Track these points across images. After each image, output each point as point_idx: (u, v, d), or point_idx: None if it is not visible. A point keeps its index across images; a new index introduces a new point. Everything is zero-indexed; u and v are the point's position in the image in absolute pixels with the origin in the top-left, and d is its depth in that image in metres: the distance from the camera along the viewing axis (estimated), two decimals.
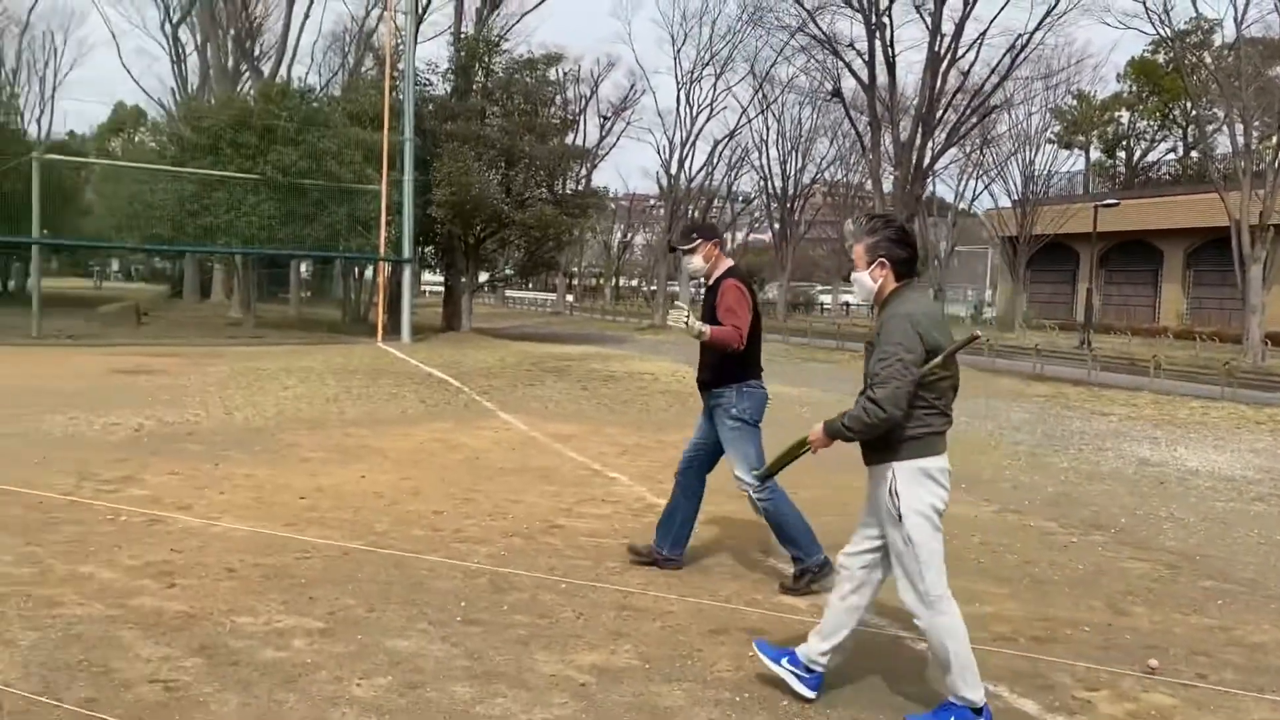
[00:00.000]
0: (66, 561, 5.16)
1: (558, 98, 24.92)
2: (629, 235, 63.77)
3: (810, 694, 3.70)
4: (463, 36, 25.43)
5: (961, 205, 45.08)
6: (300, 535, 5.86)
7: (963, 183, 43.48)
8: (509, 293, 59.52)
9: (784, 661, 3.76)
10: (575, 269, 66.02)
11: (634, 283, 72.17)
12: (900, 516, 3.46)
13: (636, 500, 7.19)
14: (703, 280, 5.41)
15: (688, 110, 37.84)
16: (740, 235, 60.27)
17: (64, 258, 64.28)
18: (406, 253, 20.86)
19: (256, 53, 35.84)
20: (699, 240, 5.22)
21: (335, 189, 20.82)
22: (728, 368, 5.10)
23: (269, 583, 4.96)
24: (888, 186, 21.53)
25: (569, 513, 6.72)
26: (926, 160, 20.13)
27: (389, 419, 10.62)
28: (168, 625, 4.30)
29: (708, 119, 48.21)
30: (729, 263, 5.31)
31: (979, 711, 3.42)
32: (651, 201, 59.18)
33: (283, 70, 35.46)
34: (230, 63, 33.53)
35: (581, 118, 29.08)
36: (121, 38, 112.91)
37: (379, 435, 9.52)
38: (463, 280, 24.05)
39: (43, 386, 12.27)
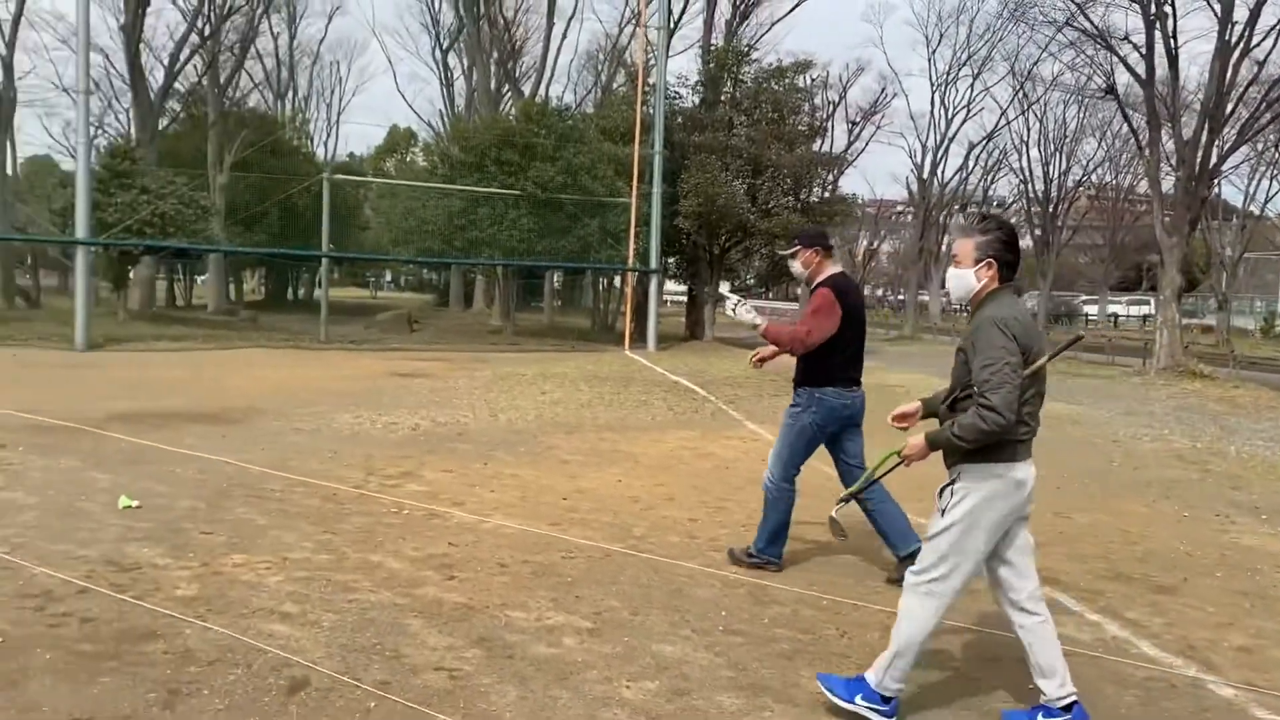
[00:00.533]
0: (358, 550, 5.57)
1: (805, 105, 24.76)
2: (875, 243, 62.36)
3: None
4: (712, 48, 25.76)
5: (1252, 207, 41.00)
6: (564, 535, 6.06)
7: (1254, 183, 39.53)
8: (754, 303, 59.76)
9: (859, 699, 3.56)
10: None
11: (879, 292, 70.36)
12: (943, 513, 3.46)
13: None
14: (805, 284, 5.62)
15: (942, 112, 36.61)
16: None
17: (343, 269, 70.26)
18: (654, 263, 21.35)
19: (518, 74, 37.92)
20: (798, 246, 5.47)
21: (588, 203, 21.60)
22: (809, 370, 5.27)
23: (538, 580, 5.16)
24: (1167, 188, 19.87)
25: (825, 528, 6.59)
26: (1213, 160, 18.40)
27: (639, 425, 10.85)
28: (449, 616, 4.55)
29: (964, 121, 46.29)
30: (833, 269, 5.42)
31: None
32: (899, 208, 57.61)
33: (541, 89, 37.24)
34: (493, 84, 35.62)
35: (829, 124, 28.74)
36: (397, 64, 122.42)
37: (631, 440, 9.73)
38: (706, 289, 24.36)
39: (330, 387, 13.41)
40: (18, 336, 18.48)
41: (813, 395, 5.25)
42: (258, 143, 33.94)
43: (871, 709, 3.51)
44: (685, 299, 27.89)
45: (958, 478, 3.46)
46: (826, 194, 24.70)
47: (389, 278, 79.85)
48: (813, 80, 25.63)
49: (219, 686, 3.66)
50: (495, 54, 36.64)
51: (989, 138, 39.67)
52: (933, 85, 35.97)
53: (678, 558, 5.68)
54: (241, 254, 30.34)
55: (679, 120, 23.80)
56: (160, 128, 30.62)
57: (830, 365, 5.24)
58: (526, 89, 37.45)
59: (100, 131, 32.76)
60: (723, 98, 24.21)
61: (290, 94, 45.63)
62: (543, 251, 21.63)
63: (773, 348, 5.37)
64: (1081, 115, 40.21)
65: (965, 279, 3.51)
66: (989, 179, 43.78)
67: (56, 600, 4.51)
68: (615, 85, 32.51)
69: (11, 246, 29.87)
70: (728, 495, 7.44)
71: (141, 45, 28.46)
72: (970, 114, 39.60)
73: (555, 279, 38.49)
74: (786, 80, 23.67)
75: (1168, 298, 18.80)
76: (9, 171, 32.16)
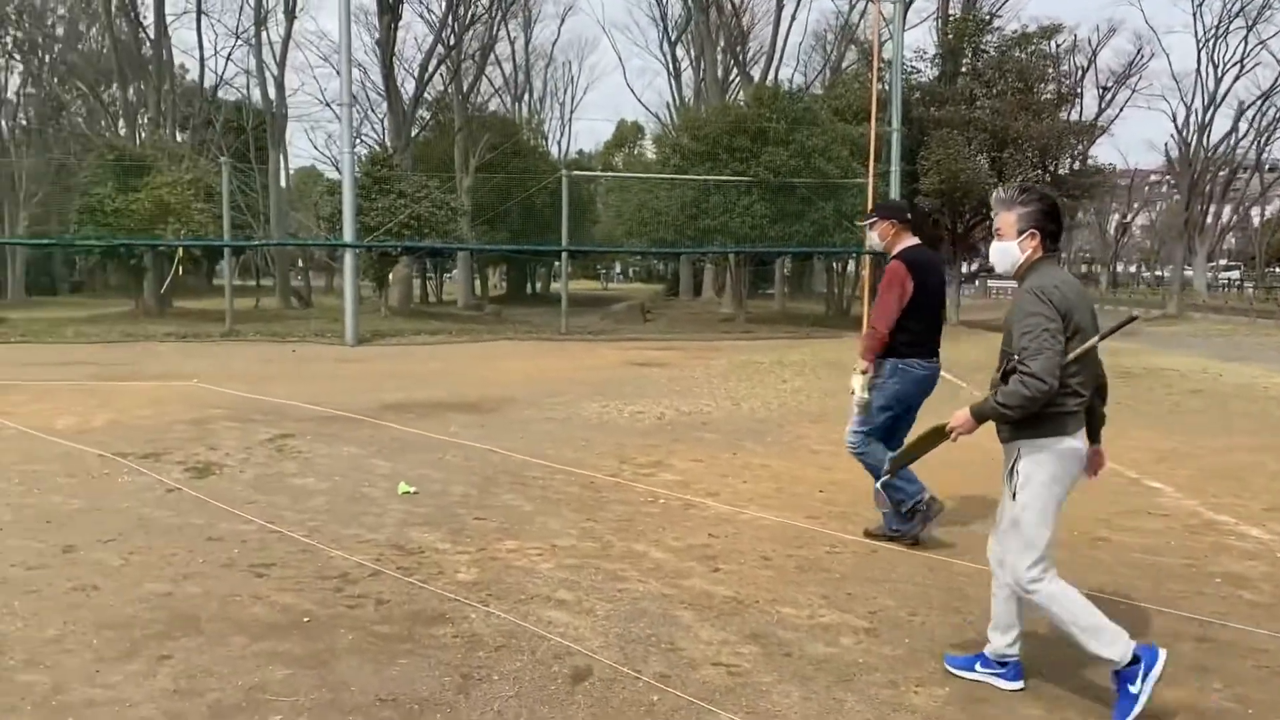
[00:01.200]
0: (621, 539, 5.62)
1: (1053, 72, 23.19)
2: (1128, 216, 57.91)
3: (1015, 685, 3.65)
4: (950, 18, 24.62)
5: None
6: (825, 529, 5.89)
7: None
8: (991, 282, 56.95)
9: (977, 666, 3.74)
10: (1064, 255, 61.23)
11: (1132, 268, 65.29)
12: (1014, 495, 3.48)
13: (1190, 516, 6.33)
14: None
15: (1210, 70, 33.38)
16: (1271, 209, 52.12)
17: (575, 263, 72.62)
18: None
19: (746, 59, 37.77)
20: (875, 218, 5.60)
21: (822, 185, 21.17)
22: (891, 341, 5.37)
23: (805, 575, 5.02)
24: None
25: (1109, 524, 6.08)
26: None
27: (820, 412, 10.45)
28: (719, 609, 4.48)
29: (1235, 79, 42.01)
30: (909, 242, 5.48)
31: (1136, 660, 3.32)
32: (1153, 177, 53.22)
33: (770, 74, 36.86)
34: (721, 71, 35.66)
35: (1079, 91, 26.74)
36: (626, 59, 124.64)
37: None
38: (948, 270, 23.27)
39: (574, 376, 13.77)
40: (296, 333, 20.16)
41: (896, 366, 5.41)
42: (499, 145, 35.53)
43: (992, 674, 3.69)
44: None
45: (1018, 458, 3.48)
46: (1077, 165, 23.04)
47: (618, 269, 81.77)
48: (1060, 45, 23.98)
49: (507, 672, 3.75)
50: (723, 41, 36.63)
51: (1265, 96, 35.85)
52: (1199, 41, 32.74)
53: (953, 556, 5.38)
54: (489, 251, 31.83)
55: (916, 95, 22.91)
56: (412, 135, 32.59)
57: (910, 335, 5.36)
58: (755, 74, 37.15)
59: (359, 141, 35.24)
60: (962, 69, 23.09)
61: (526, 96, 47.51)
62: (776, 237, 21.40)
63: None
64: None
65: (1009, 251, 3.52)
66: (1263, 141, 39.62)
67: (352, 582, 4.78)
68: (846, 64, 31.77)
69: (285, 251, 32.70)
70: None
71: (394, 59, 30.41)
72: (1244, 70, 35.87)
73: (785, 265, 38.06)
74: (1032, 47, 22.28)
75: None
76: (283, 184, 35.20)
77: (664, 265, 56.61)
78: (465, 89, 35.31)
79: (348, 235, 18.91)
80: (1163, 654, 3.34)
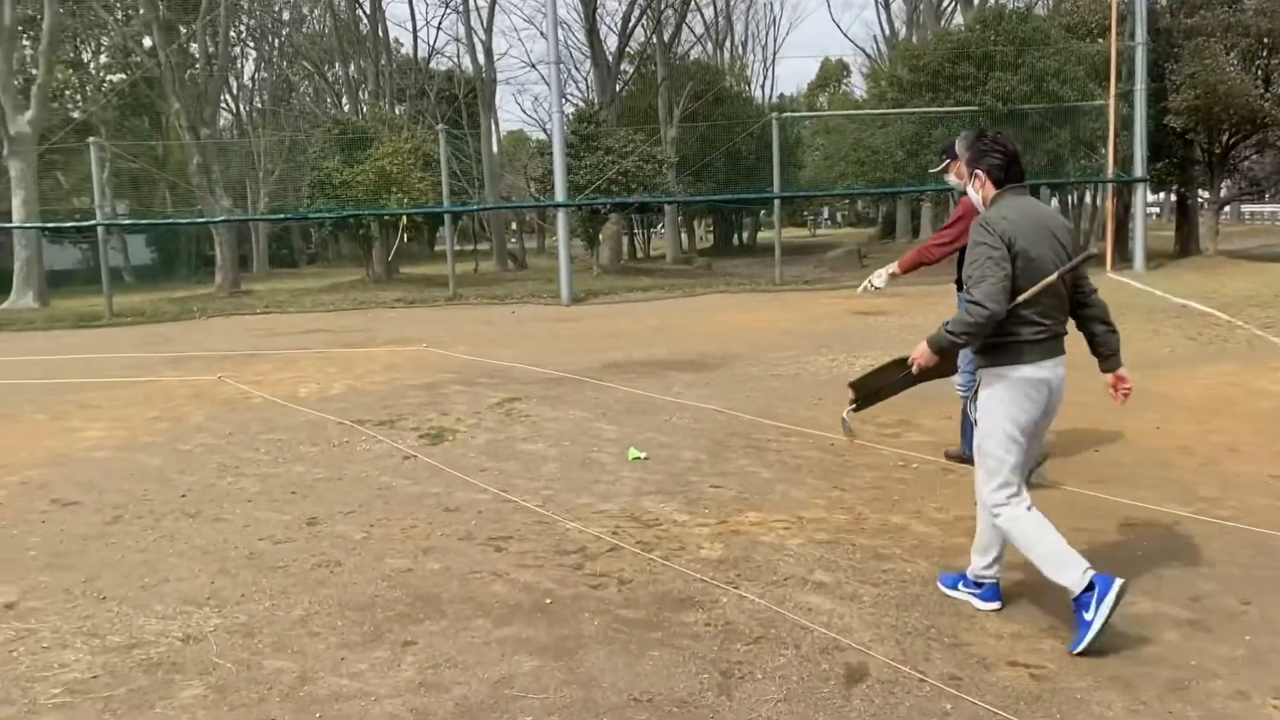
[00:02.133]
0: (874, 510, 5.10)
1: None
2: None
3: (991, 606, 3.74)
4: None
5: None
6: (1114, 496, 5.14)
7: None
8: (1244, 208, 51.46)
9: (960, 585, 3.86)
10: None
11: None
12: (976, 422, 3.62)
13: None
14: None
15: None
16: None
17: (783, 209, 71.13)
18: (1139, 171, 18.71)
19: None
20: (947, 160, 5.52)
21: (1056, 111, 19.41)
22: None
23: (1102, 554, 4.33)
24: None
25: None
26: None
27: (1158, 359, 9.34)
28: (1007, 595, 3.90)
29: None
30: (996, 196, 5.52)
31: (1090, 588, 3.37)
32: None
33: None
34: None
35: None
36: None
37: (1155, 378, 8.35)
38: (1203, 197, 20.96)
39: (795, 329, 13.19)
40: (514, 295, 20.50)
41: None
42: (702, 94, 34.96)
43: (969, 592, 3.81)
44: (1174, 210, 24.29)
45: (979, 385, 3.65)
46: None
47: (826, 215, 79.81)
48: None
49: (771, 670, 3.34)
50: None
51: None
52: None
53: (1275, 527, 4.55)
54: (698, 203, 31.40)
55: (1161, 4, 20.59)
56: (617, 90, 32.54)
57: None
58: None
59: (565, 100, 35.57)
60: None
61: (728, 41, 46.56)
62: None
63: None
64: None
65: (972, 196, 3.84)
66: None
67: (591, 558, 4.51)
68: None
69: (500, 215, 33.54)
70: None
71: (597, 14, 30.32)
72: None
73: None
74: None
75: None
76: (494, 148, 36.05)
77: (875, 208, 54.53)
78: (667, 39, 34.87)
79: (559, 195, 18.95)
80: (1118, 583, 3.35)
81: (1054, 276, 3.43)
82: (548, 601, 4.01)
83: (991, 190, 3.65)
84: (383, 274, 25.78)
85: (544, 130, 46.74)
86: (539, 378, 9.72)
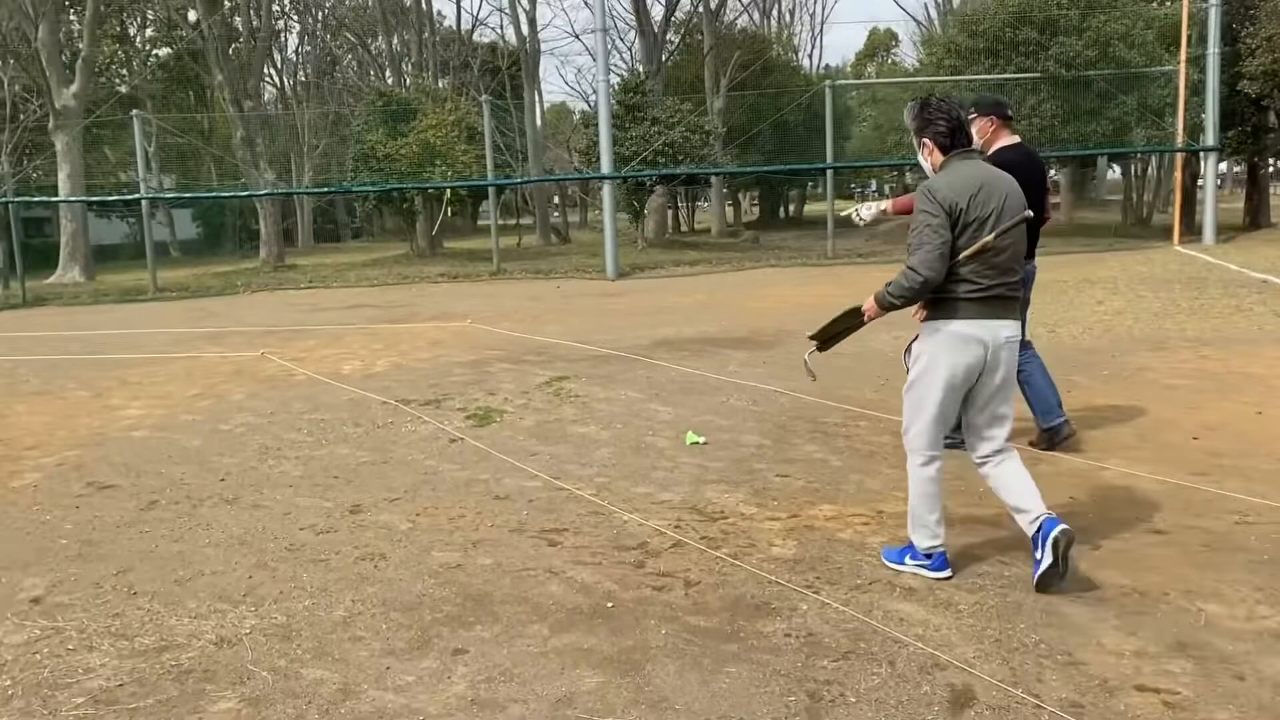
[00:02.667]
0: (959, 504, 4.70)
1: None
2: None
3: (942, 575, 3.75)
4: None
5: None
6: (1219, 489, 4.70)
7: None
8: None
9: (906, 559, 3.86)
10: None
11: None
12: (908, 369, 3.88)
13: None
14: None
15: None
16: None
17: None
18: (1210, 140, 17.89)
19: None
20: (974, 114, 5.29)
21: (1123, 77, 18.61)
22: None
23: (1218, 556, 3.92)
24: None
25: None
26: None
27: (1246, 338, 8.79)
28: (1117, 604, 3.51)
29: None
30: (1009, 140, 5.33)
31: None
32: None
33: None
34: None
35: None
36: None
37: (1246, 358, 7.83)
38: (1276, 166, 20.04)
39: (850, 305, 12.71)
40: (558, 270, 20.18)
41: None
42: (749, 63, 34.24)
43: (918, 566, 3.81)
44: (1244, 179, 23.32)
45: (916, 337, 3.81)
46: None
47: (874, 187, 78.57)
48: None
49: (864, 692, 2.97)
50: None
51: None
52: None
53: None
54: (747, 174, 30.73)
55: None
56: (663, 60, 31.95)
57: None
58: None
59: (610, 70, 35.08)
60: None
61: (775, 9, 45.64)
62: (1069, 138, 19.07)
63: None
64: None
65: (923, 164, 3.81)
66: None
67: (653, 555, 4.16)
68: None
69: (543, 188, 33.20)
70: None
71: None
72: None
73: (1068, 171, 34.59)
74: None
75: None
76: (537, 121, 35.67)
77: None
78: (714, 6, 34.17)
79: (605, 166, 18.54)
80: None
81: (989, 237, 3.52)
82: (609, 605, 3.67)
83: (939, 157, 3.71)
84: (426, 248, 25.58)
85: (587, 102, 46.29)
86: (587, 355, 9.38)
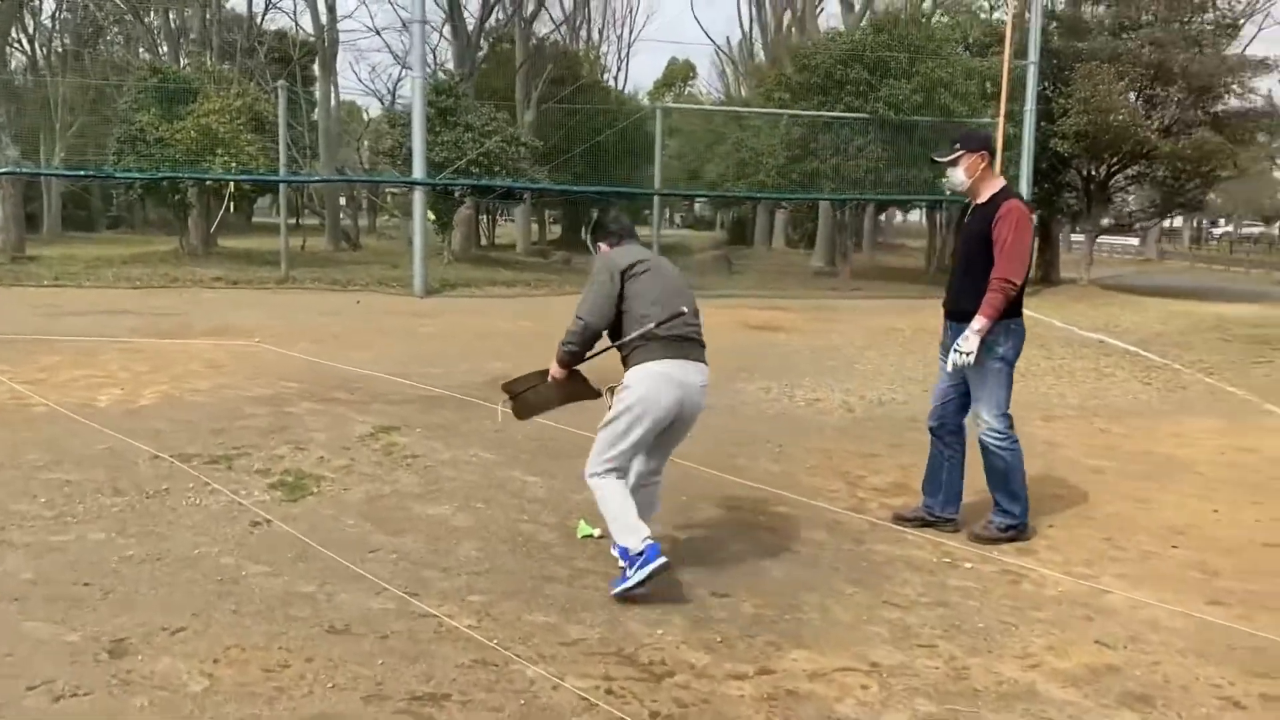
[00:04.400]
0: (961, 646, 3.61)
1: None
2: None
3: (660, 561, 3.83)
4: None
5: None
6: (1254, 629, 3.82)
7: None
8: (1074, 237, 53.06)
9: (630, 573, 3.87)
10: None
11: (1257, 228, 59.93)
12: (611, 405, 4.15)
13: None
14: (966, 200, 4.89)
15: None
16: None
17: (623, 206, 69.78)
18: (1024, 193, 18.21)
19: None
20: (961, 151, 4.67)
21: (948, 124, 18.70)
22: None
23: None
24: None
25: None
26: None
27: (1131, 408, 8.33)
28: None
29: None
30: (1001, 181, 4.76)
31: (642, 553, 3.83)
32: None
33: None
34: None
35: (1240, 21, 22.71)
36: None
37: (1145, 435, 7.27)
38: (1074, 225, 20.77)
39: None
40: (357, 280, 18.18)
41: (1009, 328, 4.66)
42: (560, 79, 33.09)
43: (640, 571, 3.81)
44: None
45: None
46: (1247, 105, 20.14)
47: (667, 215, 79.23)
48: None
49: None
50: None
51: None
52: None
53: None
54: (576, 193, 29.31)
55: (1054, 25, 20.25)
56: (476, 62, 30.25)
57: (1018, 290, 4.63)
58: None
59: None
60: None
61: (584, 27, 44.75)
62: (894, 183, 19.01)
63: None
64: None
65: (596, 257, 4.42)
66: None
67: None
68: None
69: (334, 189, 30.68)
70: None
71: None
72: None
73: (872, 215, 35.25)
74: None
75: None
76: (330, 114, 33.11)
77: (716, 212, 53.88)
78: (528, 14, 32.78)
79: (418, 171, 16.82)
80: (662, 560, 3.82)
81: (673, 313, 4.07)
82: None
83: (608, 249, 4.35)
84: (199, 247, 22.77)
85: (381, 101, 43.77)
86: (413, 395, 7.84)
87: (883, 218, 41.90)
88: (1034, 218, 4.83)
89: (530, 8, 32.88)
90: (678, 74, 73.56)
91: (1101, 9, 20.53)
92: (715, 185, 25.03)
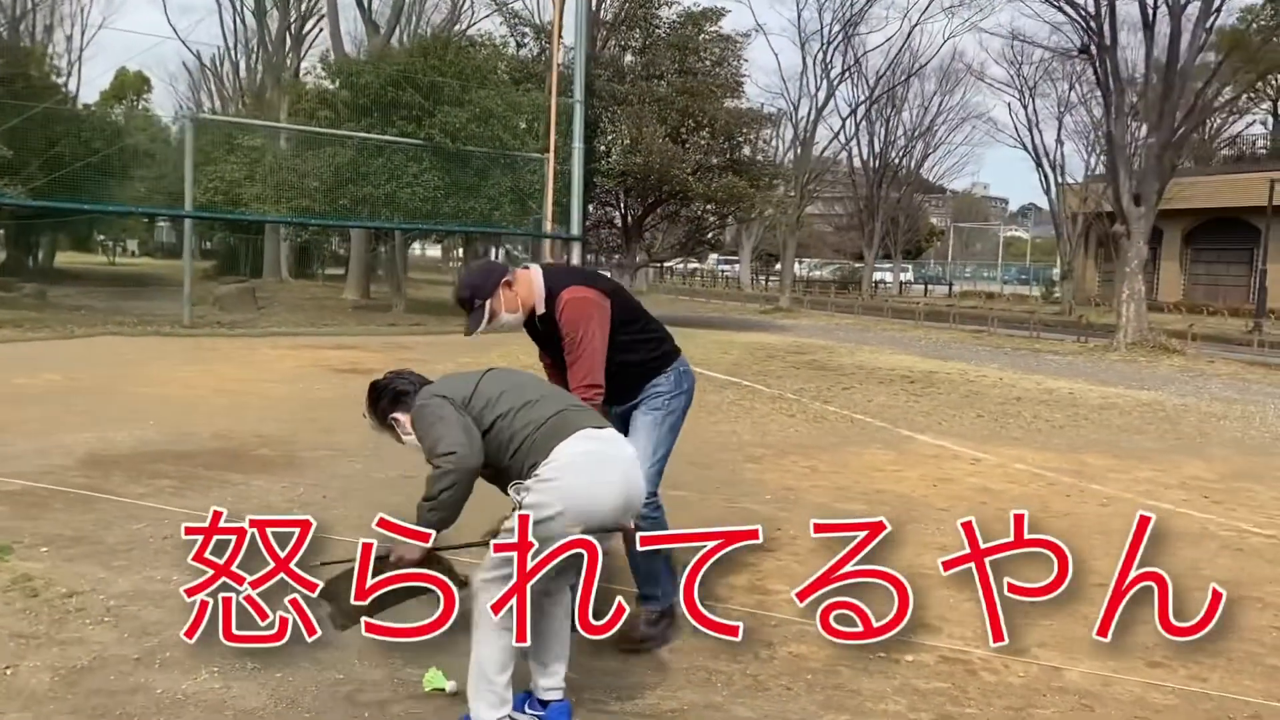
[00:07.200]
0: None
1: (730, 57, 22.15)
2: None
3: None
4: None
5: None
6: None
7: None
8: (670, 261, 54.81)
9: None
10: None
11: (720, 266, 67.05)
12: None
13: None
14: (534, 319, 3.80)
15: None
16: None
17: (64, 232, 60.18)
18: (575, 229, 18.43)
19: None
20: (482, 302, 3.63)
21: (498, 157, 18.36)
22: (657, 351, 3.91)
23: None
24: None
25: None
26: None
27: (801, 442, 8.38)
28: None
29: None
30: (539, 277, 3.75)
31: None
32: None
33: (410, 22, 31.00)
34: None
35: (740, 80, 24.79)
36: None
37: (858, 473, 7.27)
38: (615, 259, 21.56)
39: (290, 395, 9.98)
40: None
41: (679, 372, 3.94)
42: (9, 78, 27.49)
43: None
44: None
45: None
46: (759, 156, 22.33)
47: (137, 242, 70.58)
48: (740, 36, 22.90)
49: None
50: None
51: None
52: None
53: None
54: (58, 210, 23.95)
55: (598, 71, 20.86)
56: None
57: (657, 348, 3.89)
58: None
59: None
60: (648, 43, 21.34)
61: (27, 22, 37.93)
62: (449, 213, 18.14)
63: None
64: None
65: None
66: None
67: None
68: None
69: None
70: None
71: None
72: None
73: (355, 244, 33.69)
74: (702, 29, 21.16)
75: (1134, 270, 18.24)
76: None
77: (202, 240, 48.63)
78: None
79: None
80: None
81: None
82: None
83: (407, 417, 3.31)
84: None
85: None
86: None
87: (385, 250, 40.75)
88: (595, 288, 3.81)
89: None
90: (130, 84, 65.93)
91: (630, 57, 21.66)
92: (246, 206, 22.12)
